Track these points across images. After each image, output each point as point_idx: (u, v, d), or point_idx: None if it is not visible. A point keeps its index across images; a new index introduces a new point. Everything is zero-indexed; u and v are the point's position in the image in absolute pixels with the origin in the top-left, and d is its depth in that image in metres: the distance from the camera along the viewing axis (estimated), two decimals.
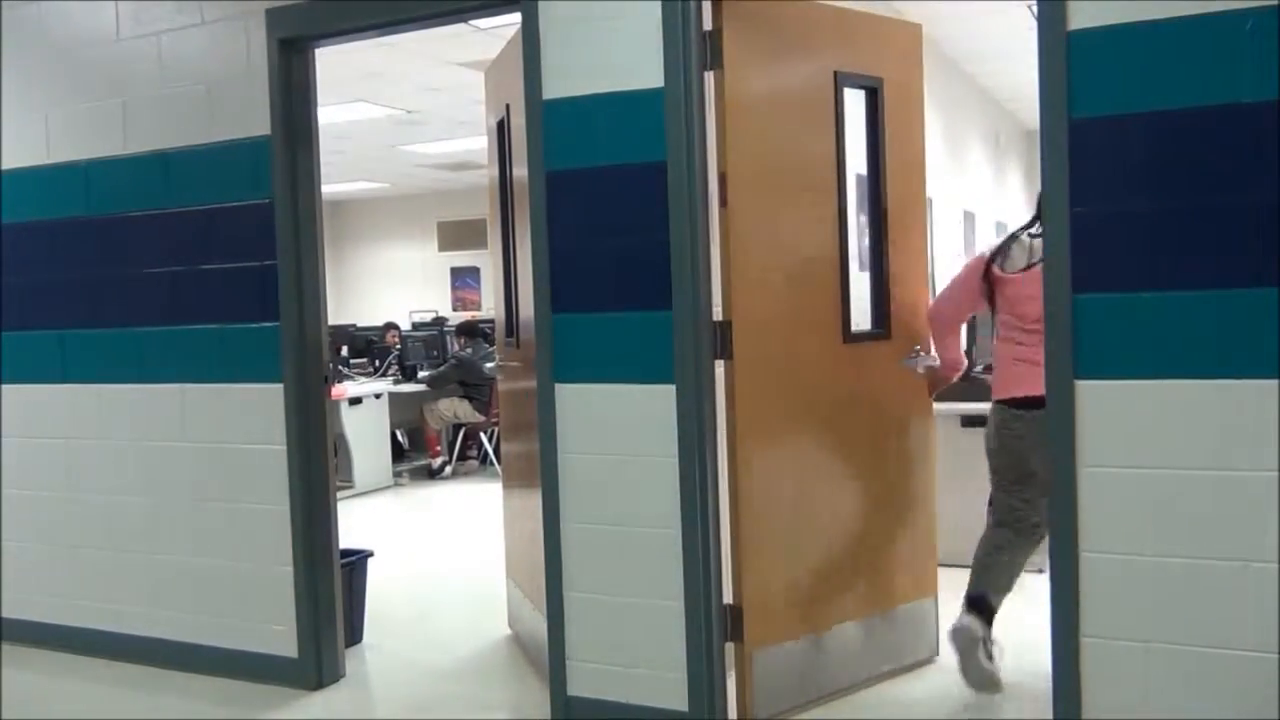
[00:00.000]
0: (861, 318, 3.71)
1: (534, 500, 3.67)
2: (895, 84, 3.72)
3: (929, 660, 3.85)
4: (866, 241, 3.75)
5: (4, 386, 4.59)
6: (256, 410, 3.99)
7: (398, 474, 8.74)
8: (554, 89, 3.37)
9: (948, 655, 3.60)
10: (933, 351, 3.74)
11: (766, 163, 3.40)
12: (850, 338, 3.62)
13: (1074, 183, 2.70)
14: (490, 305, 12.87)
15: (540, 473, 3.50)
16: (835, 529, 3.61)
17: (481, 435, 9.02)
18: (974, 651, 3.39)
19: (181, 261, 4.13)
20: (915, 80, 3.81)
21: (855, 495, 3.66)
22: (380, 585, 4.82)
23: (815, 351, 3.54)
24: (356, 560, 4.44)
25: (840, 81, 3.58)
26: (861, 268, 3.72)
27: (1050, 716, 2.84)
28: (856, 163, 3.68)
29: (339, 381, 8.50)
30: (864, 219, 3.74)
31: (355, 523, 6.39)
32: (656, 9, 3.20)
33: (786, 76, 3.49)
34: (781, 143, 3.45)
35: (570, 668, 3.47)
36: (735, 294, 3.32)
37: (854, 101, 3.64)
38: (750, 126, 3.34)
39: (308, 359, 3.95)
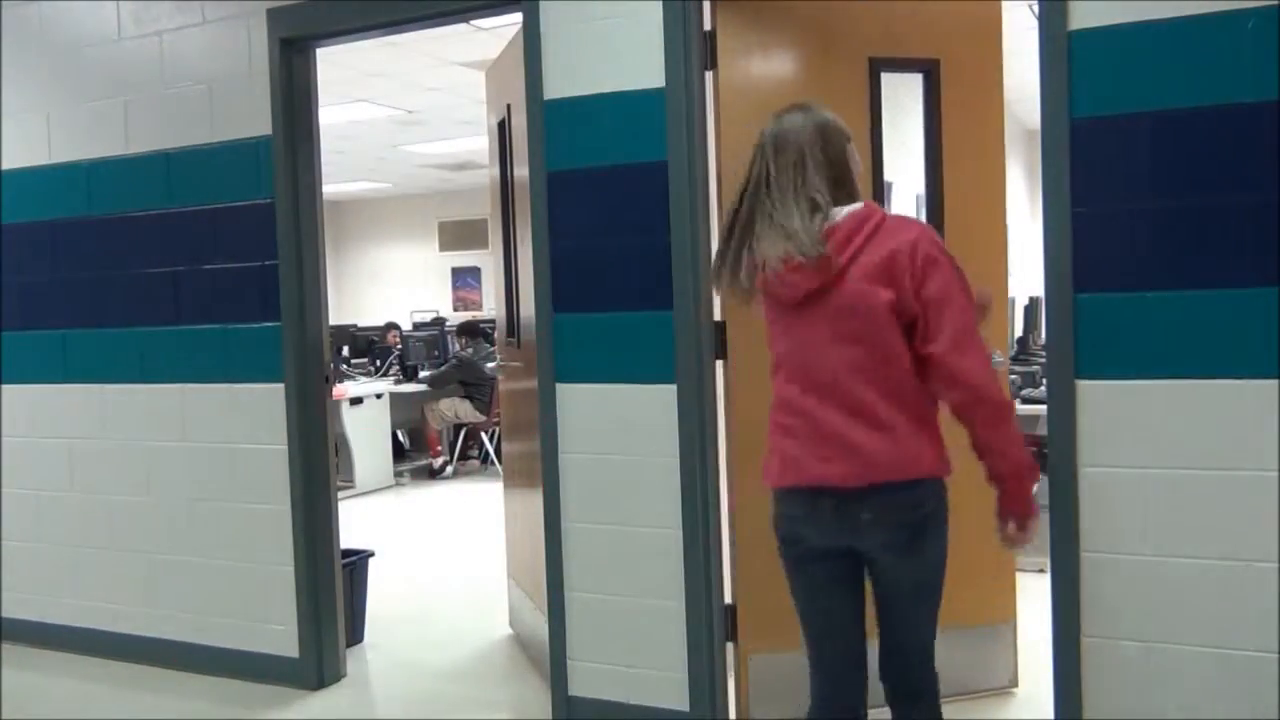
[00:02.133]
0: None
1: (535, 500, 3.67)
2: (960, 64, 3.45)
3: (1004, 689, 3.56)
4: None
5: (5, 386, 4.60)
6: (257, 410, 3.99)
7: (399, 474, 8.74)
8: (555, 89, 3.38)
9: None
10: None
11: None
12: None
13: (1074, 183, 2.70)
14: (491, 305, 12.87)
15: (541, 473, 3.50)
16: None
17: (482, 435, 9.02)
18: None
19: (183, 261, 4.13)
20: (989, 58, 3.49)
21: None
22: (381, 585, 4.83)
23: None
24: (357, 560, 4.45)
25: (877, 68, 3.43)
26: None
27: (1051, 717, 2.84)
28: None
29: (340, 381, 8.50)
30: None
31: (356, 523, 6.40)
32: (657, 9, 3.20)
33: (800, 71, 3.40)
34: None
35: (571, 667, 3.47)
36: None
37: (913, 86, 3.47)
38: (749, 126, 3.32)
39: (309, 359, 3.95)
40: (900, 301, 2.12)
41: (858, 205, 2.23)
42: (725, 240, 2.30)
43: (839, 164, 2.26)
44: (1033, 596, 3.47)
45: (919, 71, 3.47)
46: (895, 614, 2.28)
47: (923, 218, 3.51)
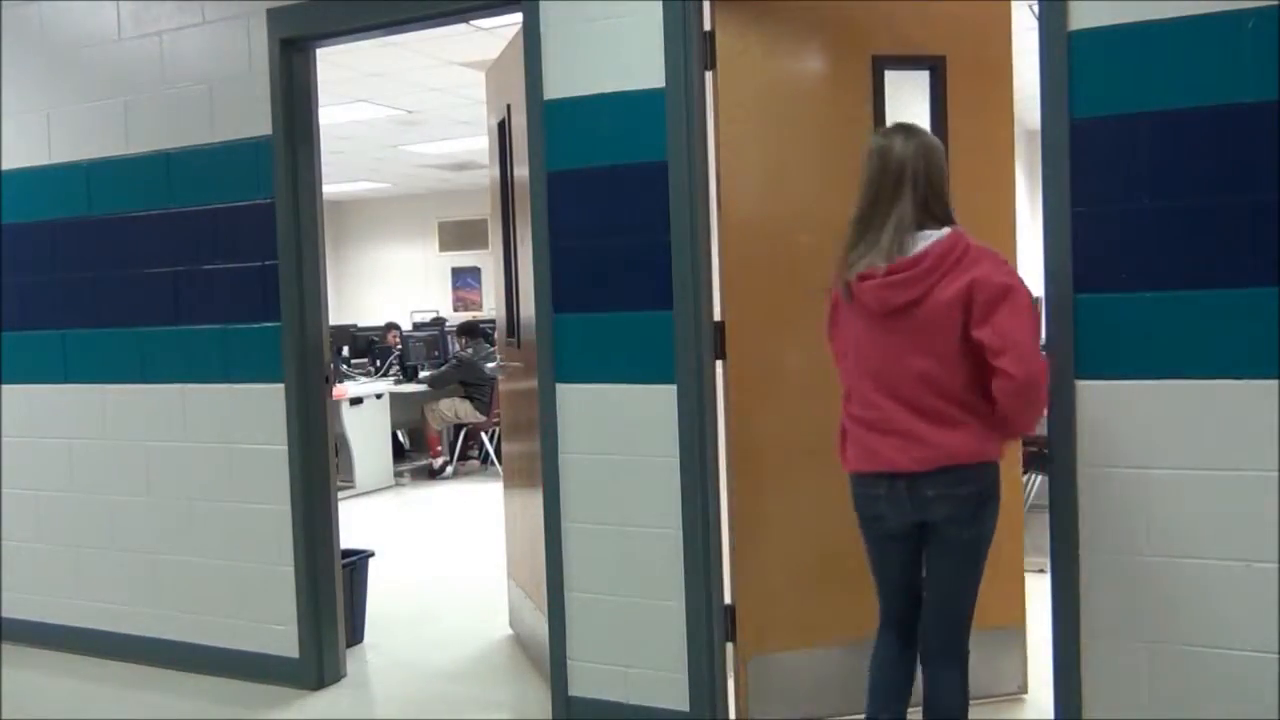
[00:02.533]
0: None
1: (535, 500, 3.67)
2: (967, 59, 3.39)
3: (1014, 695, 3.50)
4: None
5: (5, 386, 4.60)
6: (258, 410, 3.99)
7: (399, 474, 8.74)
8: (555, 89, 3.38)
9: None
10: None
11: (771, 160, 3.35)
12: None
13: (1074, 183, 2.71)
14: (491, 305, 12.87)
15: (541, 473, 3.50)
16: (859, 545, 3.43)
17: (483, 435, 9.02)
18: None
19: (183, 261, 4.13)
20: (998, 54, 3.43)
21: None
22: (381, 585, 4.83)
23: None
24: (357, 560, 4.45)
25: (880, 65, 3.37)
26: None
27: (1051, 716, 2.84)
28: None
29: (340, 381, 8.50)
30: None
31: (356, 523, 6.40)
32: (657, 9, 3.20)
33: (802, 70, 3.37)
34: (793, 138, 3.35)
35: (571, 668, 3.47)
36: (729, 294, 3.31)
37: (917, 84, 3.41)
38: (748, 125, 3.31)
39: (309, 359, 3.95)
40: (973, 324, 2.41)
41: (946, 232, 2.47)
42: (848, 248, 2.56)
43: (938, 185, 2.51)
44: (1033, 597, 3.46)
45: (924, 68, 3.43)
46: (944, 574, 2.60)
47: None
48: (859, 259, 2.50)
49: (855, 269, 2.50)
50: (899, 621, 2.73)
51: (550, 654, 3.51)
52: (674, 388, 3.25)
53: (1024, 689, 3.53)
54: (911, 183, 2.47)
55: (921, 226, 2.47)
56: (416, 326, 11.97)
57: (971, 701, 3.03)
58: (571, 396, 3.42)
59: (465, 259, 15.63)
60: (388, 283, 16.08)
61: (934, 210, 2.49)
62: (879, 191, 2.49)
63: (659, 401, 3.27)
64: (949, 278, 2.42)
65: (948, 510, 2.51)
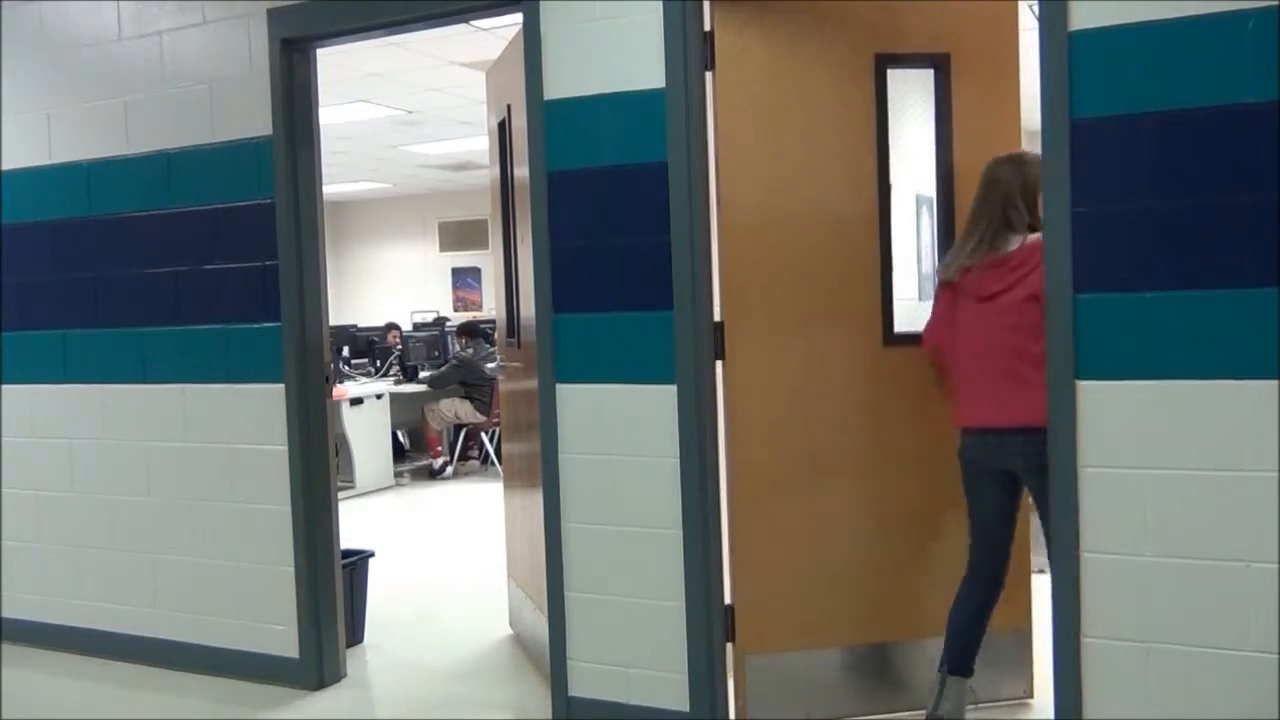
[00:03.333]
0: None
1: (535, 500, 3.67)
2: (972, 56, 3.38)
3: (1019, 699, 3.48)
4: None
5: (5, 386, 4.60)
6: (258, 410, 3.99)
7: (399, 474, 8.74)
8: (555, 89, 3.38)
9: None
10: None
11: (772, 160, 3.35)
12: (894, 339, 3.39)
13: (1074, 183, 2.70)
14: (491, 305, 12.88)
15: (541, 473, 3.50)
16: (867, 547, 3.41)
17: (483, 435, 9.02)
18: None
19: (183, 261, 4.13)
20: (1004, 49, 3.40)
21: (893, 512, 3.41)
22: (381, 585, 4.83)
23: (838, 353, 3.37)
24: (357, 560, 4.45)
25: (882, 64, 3.37)
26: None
27: (1051, 717, 2.84)
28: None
29: (340, 382, 8.51)
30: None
31: (356, 523, 6.40)
32: (658, 9, 3.20)
33: (803, 70, 3.35)
34: (793, 138, 3.35)
35: (571, 668, 3.47)
36: (729, 294, 3.31)
37: (915, 84, 3.42)
38: (748, 125, 3.32)
39: (309, 359, 3.95)
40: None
41: (1037, 236, 2.99)
42: (959, 246, 3.21)
43: (1031, 202, 3.08)
44: (1034, 597, 3.47)
45: (928, 66, 3.41)
46: (1045, 504, 2.98)
47: (928, 219, 3.51)
48: (967, 254, 3.13)
49: (960, 262, 3.14)
50: (974, 566, 3.20)
51: (550, 654, 3.51)
52: (674, 388, 3.25)
53: (1030, 693, 3.51)
54: (1005, 199, 3.08)
55: (1009, 232, 3.07)
56: (417, 327, 11.97)
57: (978, 705, 3.09)
58: (571, 396, 3.42)
59: (465, 259, 15.64)
60: (388, 283, 16.09)
61: (1028, 219, 3.06)
62: (982, 206, 3.12)
63: (659, 401, 3.27)
64: (1037, 270, 2.94)
65: (1023, 463, 3.04)
